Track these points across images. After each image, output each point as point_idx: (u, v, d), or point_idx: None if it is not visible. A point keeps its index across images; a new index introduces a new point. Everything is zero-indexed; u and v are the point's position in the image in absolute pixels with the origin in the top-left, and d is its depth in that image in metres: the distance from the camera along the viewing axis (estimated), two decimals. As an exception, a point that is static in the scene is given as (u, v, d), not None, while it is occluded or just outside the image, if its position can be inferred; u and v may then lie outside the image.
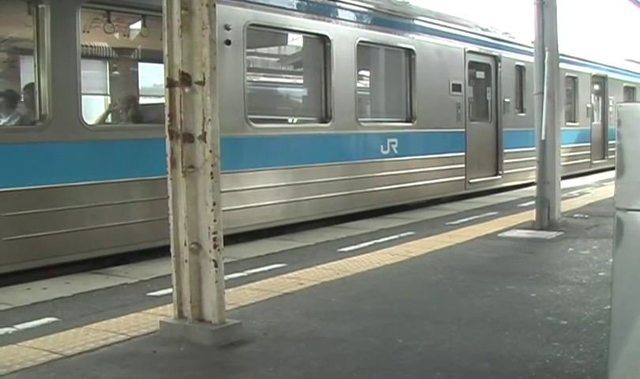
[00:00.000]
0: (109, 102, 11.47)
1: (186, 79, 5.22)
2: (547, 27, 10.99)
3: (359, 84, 12.80)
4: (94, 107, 11.20)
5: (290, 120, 12.60)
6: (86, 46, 9.50)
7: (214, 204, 5.17)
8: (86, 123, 8.56)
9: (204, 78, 5.16)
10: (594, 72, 22.37)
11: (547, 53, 10.83)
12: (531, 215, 10.92)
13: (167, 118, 5.33)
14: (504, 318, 5.84)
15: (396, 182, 13.31)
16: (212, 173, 5.16)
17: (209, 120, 5.15)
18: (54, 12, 8.02)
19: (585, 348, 4.95)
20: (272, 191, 10.76)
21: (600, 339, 4.97)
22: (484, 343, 5.20)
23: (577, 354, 4.83)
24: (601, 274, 7.24)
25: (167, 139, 5.33)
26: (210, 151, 5.16)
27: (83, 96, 8.49)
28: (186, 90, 5.23)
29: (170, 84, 5.31)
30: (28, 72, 8.35)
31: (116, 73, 11.63)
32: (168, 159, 5.35)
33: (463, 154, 15.45)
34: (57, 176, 8.16)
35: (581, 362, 4.70)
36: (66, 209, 8.25)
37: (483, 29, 16.70)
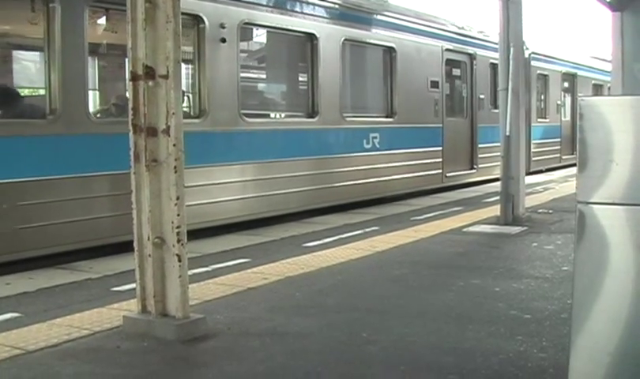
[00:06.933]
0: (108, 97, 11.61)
1: (149, 72, 5.18)
2: (512, 22, 11.06)
3: (343, 81, 13.08)
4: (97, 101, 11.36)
5: (280, 115, 12.92)
6: (92, 43, 9.65)
7: (177, 198, 5.14)
8: (93, 116, 8.99)
9: (168, 72, 5.12)
10: (564, 70, 22.79)
11: (511, 49, 10.89)
12: (496, 210, 10.99)
13: (130, 112, 5.29)
14: (468, 312, 5.87)
15: (377, 176, 13.64)
16: (175, 167, 5.13)
17: (173, 113, 5.11)
18: (64, 11, 8.32)
19: (548, 342, 4.98)
20: (262, 183, 10.92)
21: (563, 332, 4.98)
22: (448, 337, 5.22)
23: (541, 348, 4.86)
24: (565, 268, 7.30)
25: (131, 133, 5.29)
26: (174, 145, 5.12)
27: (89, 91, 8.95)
28: (150, 83, 5.19)
29: (134, 77, 5.27)
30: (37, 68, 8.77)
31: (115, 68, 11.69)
32: (132, 152, 5.30)
33: (440, 149, 15.85)
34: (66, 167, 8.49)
35: (544, 355, 4.73)
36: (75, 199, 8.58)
37: (459, 28, 17.10)
